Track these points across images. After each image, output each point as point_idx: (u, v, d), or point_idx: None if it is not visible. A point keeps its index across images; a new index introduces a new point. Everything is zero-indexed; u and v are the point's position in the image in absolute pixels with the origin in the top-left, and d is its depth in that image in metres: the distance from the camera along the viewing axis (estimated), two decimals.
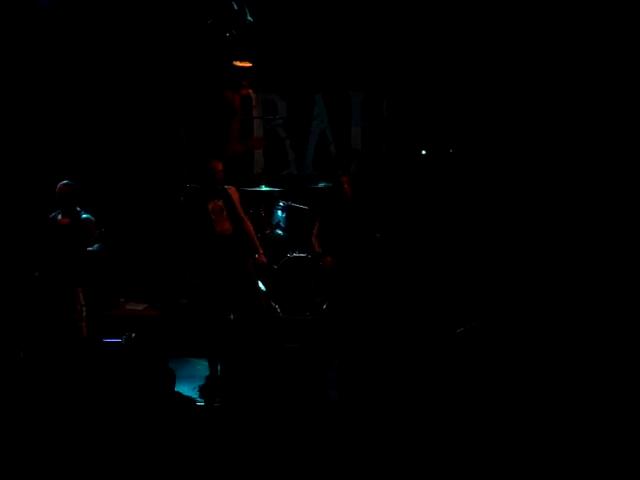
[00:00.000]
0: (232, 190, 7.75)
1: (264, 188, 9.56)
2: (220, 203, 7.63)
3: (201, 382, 7.81)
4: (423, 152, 9.76)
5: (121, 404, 5.43)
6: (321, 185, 9.35)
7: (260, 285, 9.36)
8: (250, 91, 10.30)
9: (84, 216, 7.72)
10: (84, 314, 7.80)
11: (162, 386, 5.61)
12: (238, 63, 9.79)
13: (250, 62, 9.80)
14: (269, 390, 5.46)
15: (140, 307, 9.41)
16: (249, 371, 5.74)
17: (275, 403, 5.31)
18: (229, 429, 5.05)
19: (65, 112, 9.92)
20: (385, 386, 5.55)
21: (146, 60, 9.99)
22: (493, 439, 4.52)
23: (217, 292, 7.58)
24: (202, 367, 8.22)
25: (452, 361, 7.32)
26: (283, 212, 9.50)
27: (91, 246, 7.57)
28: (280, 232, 9.34)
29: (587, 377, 5.45)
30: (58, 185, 7.70)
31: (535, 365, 6.46)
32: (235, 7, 8.77)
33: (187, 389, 7.31)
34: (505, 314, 8.43)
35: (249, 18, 8.89)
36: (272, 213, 9.48)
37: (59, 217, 7.75)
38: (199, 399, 7.00)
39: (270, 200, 9.65)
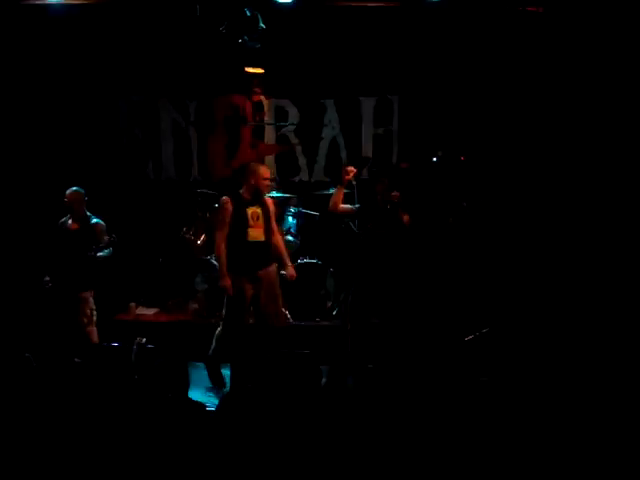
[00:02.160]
0: (269, 201, 7.80)
1: (275, 194, 9.58)
2: (258, 211, 7.67)
3: (212, 387, 7.85)
4: (434, 159, 9.73)
5: (131, 409, 5.44)
6: (332, 191, 9.33)
7: None
8: (262, 97, 10.33)
9: (94, 221, 7.77)
10: (94, 319, 7.84)
11: (175, 392, 5.61)
12: (250, 69, 9.82)
13: (262, 68, 9.83)
14: (276, 396, 5.46)
15: (151, 312, 9.45)
16: (260, 378, 5.75)
17: (282, 409, 5.31)
18: (237, 435, 5.06)
19: (76, 118, 9.99)
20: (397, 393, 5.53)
21: (158, 66, 10.02)
22: (500, 446, 4.51)
23: (241, 296, 7.64)
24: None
25: (461, 368, 7.33)
26: (294, 218, 9.50)
27: (101, 251, 7.60)
28: (291, 238, 9.34)
29: (598, 385, 5.44)
30: (67, 192, 7.76)
31: (544, 372, 6.44)
32: (248, 14, 8.79)
33: (198, 394, 7.32)
34: (515, 321, 8.44)
35: (261, 25, 8.91)
36: (283, 219, 9.48)
37: (69, 222, 7.80)
38: (210, 404, 6.98)
39: (282, 206, 9.68)
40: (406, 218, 7.95)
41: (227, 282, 7.54)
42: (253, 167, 7.78)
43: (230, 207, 7.55)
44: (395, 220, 7.91)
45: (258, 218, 7.65)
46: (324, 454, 4.73)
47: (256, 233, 7.67)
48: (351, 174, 7.85)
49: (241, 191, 7.70)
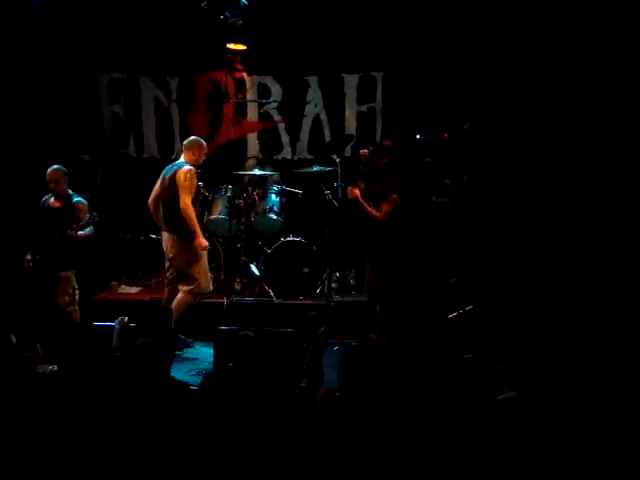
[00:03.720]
0: None
1: (258, 172, 9.54)
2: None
3: (195, 366, 7.82)
4: (418, 136, 9.70)
5: (113, 388, 5.42)
6: (315, 169, 9.31)
7: (254, 269, 9.36)
8: (244, 74, 10.26)
9: (76, 199, 7.70)
10: (77, 297, 7.80)
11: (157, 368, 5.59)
12: (232, 46, 9.74)
13: (244, 45, 9.75)
14: (259, 375, 5.45)
15: (133, 290, 9.41)
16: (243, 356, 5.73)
17: (267, 387, 5.30)
18: (220, 413, 5.05)
19: (56, 95, 9.87)
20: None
21: (139, 42, 9.92)
22: (490, 431, 4.51)
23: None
24: (194, 350, 8.25)
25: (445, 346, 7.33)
26: (277, 196, 9.46)
27: (82, 230, 7.54)
28: (274, 216, 9.30)
29: (580, 364, 5.44)
30: (49, 170, 7.68)
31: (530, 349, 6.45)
32: None
33: (181, 373, 7.30)
34: (499, 298, 8.46)
35: (243, 1, 8.84)
36: (266, 197, 9.44)
37: (51, 200, 7.73)
38: (193, 383, 6.96)
39: (264, 184, 9.63)
40: (387, 204, 7.90)
41: (206, 242, 8.03)
42: (199, 142, 8.13)
43: (195, 179, 7.94)
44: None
45: None
46: (307, 432, 4.73)
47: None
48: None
49: (187, 160, 7.99)
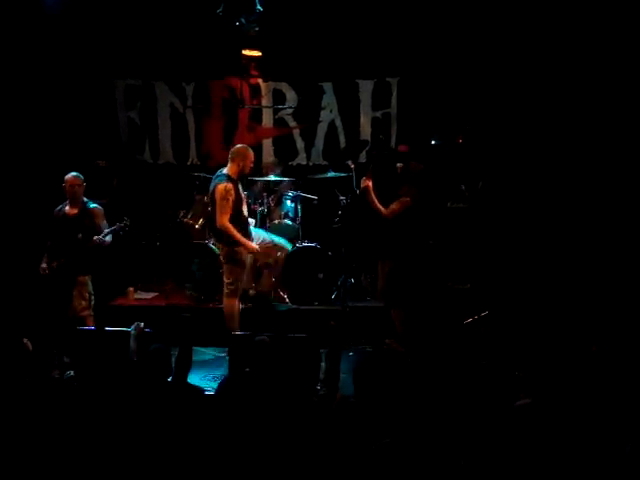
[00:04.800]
0: None
1: (273, 178, 9.55)
2: (241, 189, 8.03)
3: (210, 371, 7.83)
4: (433, 142, 9.70)
5: (129, 393, 5.44)
6: (330, 175, 9.31)
7: None
8: (259, 80, 10.28)
9: (91, 206, 7.72)
10: (92, 303, 7.82)
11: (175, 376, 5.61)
12: (247, 52, 9.77)
13: (259, 51, 9.78)
14: (274, 380, 5.45)
15: (149, 296, 9.43)
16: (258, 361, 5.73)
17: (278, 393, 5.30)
18: (235, 419, 5.05)
19: (72, 102, 9.92)
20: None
21: (155, 49, 9.96)
22: (501, 435, 4.49)
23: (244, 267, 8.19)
24: (209, 356, 8.25)
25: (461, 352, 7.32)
26: (292, 202, 9.47)
27: (103, 236, 7.55)
28: (289, 222, 9.31)
29: (596, 369, 5.42)
30: (66, 177, 7.70)
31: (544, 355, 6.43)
32: None
33: (196, 378, 7.31)
34: (514, 304, 8.44)
35: (259, 7, 8.86)
36: (281, 203, 9.46)
37: (67, 208, 7.74)
38: (207, 388, 6.97)
39: (279, 190, 9.64)
40: (397, 204, 7.90)
41: (254, 246, 8.00)
42: (244, 150, 7.96)
43: (234, 193, 7.75)
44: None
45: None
46: (323, 438, 4.73)
47: (245, 210, 8.15)
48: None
49: (229, 172, 7.87)
